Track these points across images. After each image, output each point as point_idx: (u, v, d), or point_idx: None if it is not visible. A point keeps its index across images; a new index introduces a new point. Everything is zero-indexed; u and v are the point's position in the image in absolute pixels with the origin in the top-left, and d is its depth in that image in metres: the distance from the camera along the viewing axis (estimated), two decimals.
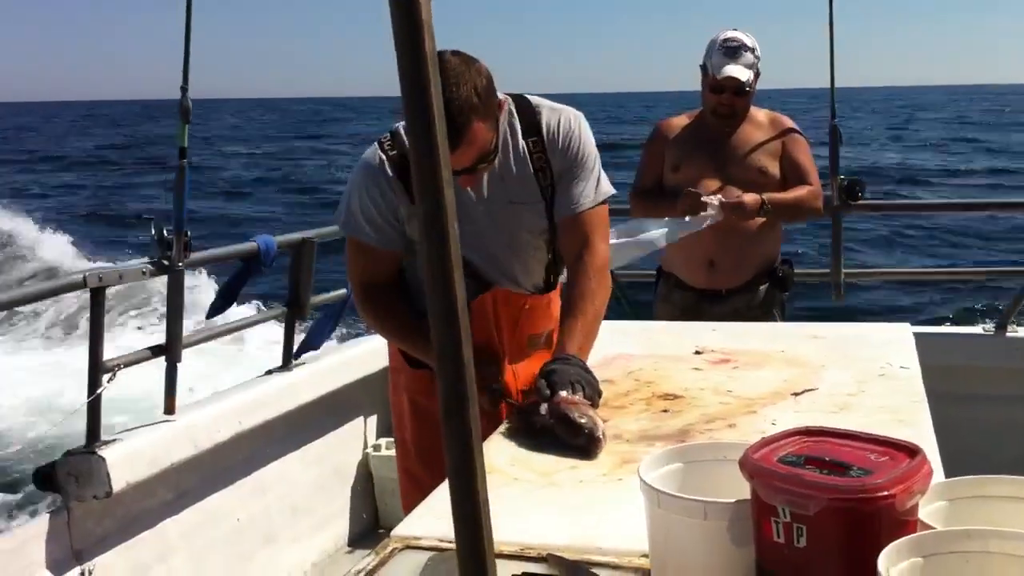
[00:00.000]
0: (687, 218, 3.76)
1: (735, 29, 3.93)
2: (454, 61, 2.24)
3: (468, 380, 0.85)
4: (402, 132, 2.45)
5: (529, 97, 2.54)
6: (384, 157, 2.45)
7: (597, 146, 2.59)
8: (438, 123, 0.83)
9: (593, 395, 2.25)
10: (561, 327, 2.46)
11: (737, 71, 3.83)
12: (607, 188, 2.57)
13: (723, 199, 3.75)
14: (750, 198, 3.77)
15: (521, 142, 2.48)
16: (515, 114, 2.49)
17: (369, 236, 2.48)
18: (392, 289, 2.57)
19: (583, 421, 2.08)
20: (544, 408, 2.16)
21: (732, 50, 3.86)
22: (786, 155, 3.93)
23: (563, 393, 2.17)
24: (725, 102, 3.91)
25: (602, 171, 2.57)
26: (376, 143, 2.50)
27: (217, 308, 3.58)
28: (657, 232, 3.77)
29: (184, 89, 3.07)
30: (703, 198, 3.74)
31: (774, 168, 3.91)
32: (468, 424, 0.85)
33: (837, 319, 3.55)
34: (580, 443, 2.06)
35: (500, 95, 2.43)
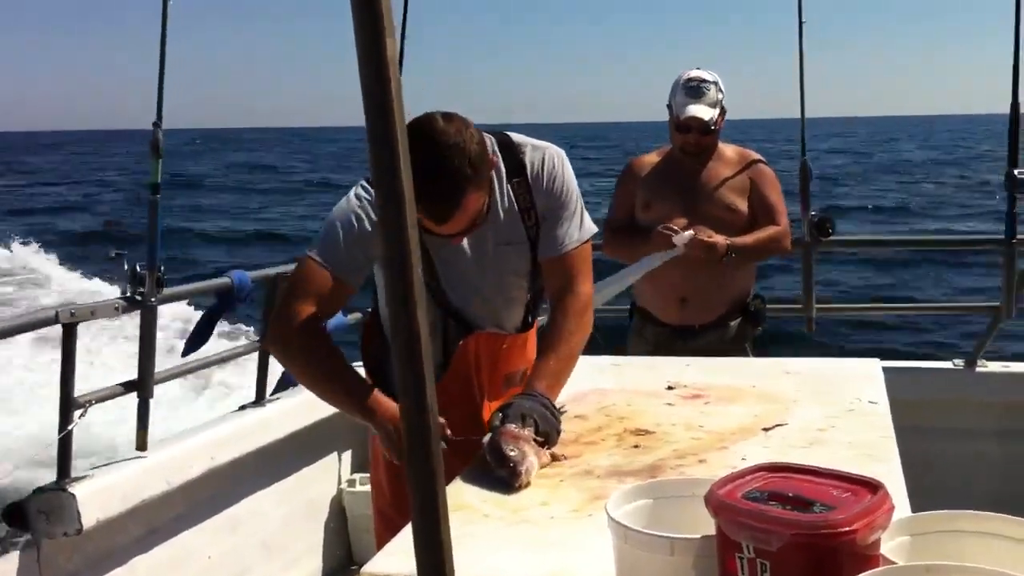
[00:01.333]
0: (654, 255, 3.79)
1: (698, 68, 3.98)
2: (446, 130, 2.21)
3: (431, 420, 0.86)
4: None
5: (511, 135, 2.53)
6: (367, 191, 2.44)
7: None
8: (403, 164, 0.85)
9: (549, 431, 2.25)
10: (535, 364, 2.47)
11: (700, 111, 3.88)
12: (590, 227, 2.58)
13: (696, 236, 3.77)
14: (719, 239, 3.80)
15: (505, 183, 2.48)
16: (499, 154, 2.47)
17: (329, 256, 2.37)
18: (322, 327, 2.42)
19: (512, 453, 2.09)
20: (486, 439, 2.17)
21: (694, 89, 3.91)
22: (755, 193, 3.96)
23: (511, 426, 2.18)
24: (691, 141, 3.95)
25: (584, 209, 2.58)
26: (362, 181, 2.47)
27: (192, 345, 3.57)
28: (629, 273, 3.83)
29: (157, 124, 3.08)
30: (673, 239, 3.77)
31: (743, 205, 3.95)
32: (431, 463, 0.86)
33: (809, 353, 3.58)
34: (501, 475, 2.08)
35: (485, 138, 2.39)
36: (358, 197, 2.41)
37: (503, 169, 2.48)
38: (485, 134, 2.42)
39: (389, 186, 0.84)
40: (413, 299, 0.85)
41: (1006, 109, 3.97)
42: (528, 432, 2.19)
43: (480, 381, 2.55)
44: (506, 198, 2.49)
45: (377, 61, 0.82)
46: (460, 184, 2.20)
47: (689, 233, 3.78)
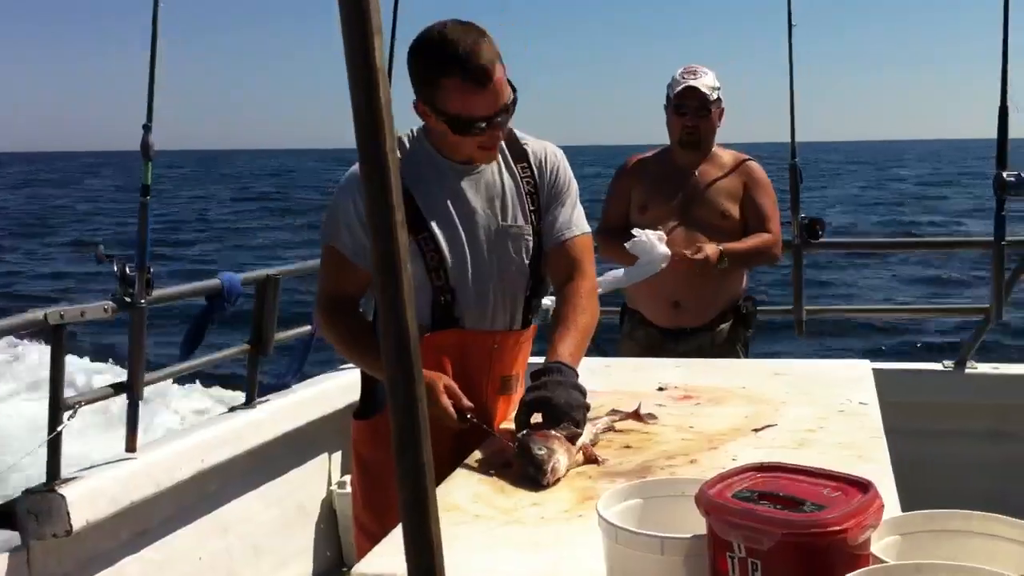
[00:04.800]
0: (641, 262, 3.79)
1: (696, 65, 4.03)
2: (470, 23, 2.34)
3: (421, 417, 0.86)
4: (403, 139, 2.50)
5: (513, 128, 2.58)
6: None
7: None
8: (391, 164, 0.85)
9: (581, 419, 2.27)
10: (553, 336, 2.47)
11: (697, 83, 3.92)
12: (586, 225, 2.64)
13: (687, 254, 3.78)
14: (711, 250, 3.81)
15: (512, 166, 2.54)
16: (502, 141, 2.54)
17: (345, 245, 2.47)
18: (354, 305, 2.58)
19: (540, 452, 2.10)
20: (520, 436, 2.19)
21: (691, 73, 3.96)
22: (748, 199, 3.97)
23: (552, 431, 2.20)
24: (688, 124, 3.96)
25: (581, 207, 2.63)
26: None
27: (186, 350, 3.56)
28: (613, 277, 3.83)
29: (147, 127, 3.07)
30: (652, 239, 3.77)
31: (735, 211, 3.96)
32: (421, 462, 0.86)
33: (799, 355, 3.58)
34: (529, 473, 2.10)
35: None
36: (359, 178, 2.45)
37: (508, 152, 2.54)
38: None
39: (377, 179, 0.84)
40: (402, 298, 0.85)
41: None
42: (554, 432, 2.20)
43: (476, 382, 2.52)
44: (515, 178, 2.54)
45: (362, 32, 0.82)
46: (489, 55, 2.30)
47: (657, 236, 3.78)
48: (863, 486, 1.31)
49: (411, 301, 0.86)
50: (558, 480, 2.10)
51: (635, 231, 3.79)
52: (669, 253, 3.75)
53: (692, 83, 3.92)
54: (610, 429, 2.42)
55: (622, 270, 3.85)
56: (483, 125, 2.35)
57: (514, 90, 2.40)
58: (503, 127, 2.42)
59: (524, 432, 2.20)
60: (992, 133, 3.99)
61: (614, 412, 2.51)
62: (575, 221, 2.58)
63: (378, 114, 0.83)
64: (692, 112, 3.94)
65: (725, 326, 4.03)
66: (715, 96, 3.95)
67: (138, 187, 3.12)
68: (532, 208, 2.54)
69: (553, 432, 2.20)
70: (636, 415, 2.52)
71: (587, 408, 2.33)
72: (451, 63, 2.28)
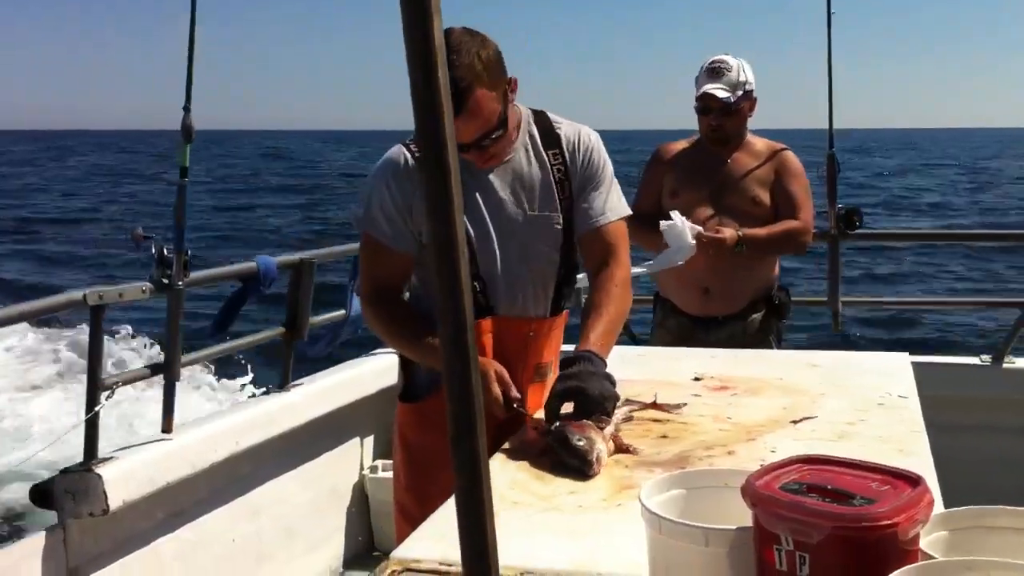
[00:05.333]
0: (670, 250, 3.76)
1: (726, 53, 3.97)
2: (460, 33, 2.27)
3: (477, 405, 0.85)
4: None
5: (547, 112, 2.57)
6: (408, 155, 2.46)
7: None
8: (451, 147, 0.84)
9: (611, 409, 2.27)
10: (584, 324, 2.47)
11: (715, 89, 3.87)
12: (626, 207, 2.61)
13: (702, 232, 3.75)
14: (728, 234, 3.77)
15: (543, 153, 2.50)
16: (533, 124, 2.52)
17: (384, 233, 2.47)
18: (399, 294, 2.58)
19: (580, 444, 2.10)
20: (554, 427, 2.19)
21: (715, 71, 3.91)
22: (779, 186, 3.93)
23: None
24: (712, 123, 3.94)
25: (619, 191, 2.60)
26: (400, 143, 2.50)
27: (217, 329, 3.58)
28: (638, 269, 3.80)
29: (187, 108, 3.08)
30: (672, 224, 3.74)
31: (767, 198, 3.92)
32: (476, 450, 0.85)
33: (834, 347, 3.55)
34: (574, 464, 2.09)
35: (521, 106, 2.48)
36: (394, 163, 2.45)
37: (539, 137, 2.51)
38: (521, 105, 2.49)
39: (436, 162, 0.83)
40: (460, 284, 0.85)
41: None
42: (588, 421, 2.20)
43: (511, 370, 2.52)
44: (544, 167, 2.50)
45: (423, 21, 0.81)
46: (467, 78, 2.23)
47: (698, 229, 3.74)
48: (913, 480, 1.29)
49: (468, 286, 0.85)
50: (599, 471, 2.09)
51: (673, 213, 3.76)
52: (694, 244, 3.72)
53: (708, 89, 3.88)
54: (629, 419, 2.41)
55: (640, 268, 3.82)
56: (466, 147, 2.33)
57: (505, 93, 2.34)
58: (491, 146, 2.38)
59: (557, 424, 2.20)
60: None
61: (629, 402, 2.49)
62: (610, 206, 2.55)
63: (437, 94, 0.83)
64: (715, 113, 3.92)
65: (757, 316, 4.00)
66: (740, 93, 3.89)
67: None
68: (563, 196, 2.52)
69: (587, 422, 2.20)
70: (655, 405, 2.50)
71: (617, 399, 2.32)
72: None
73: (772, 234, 3.86)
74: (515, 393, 2.35)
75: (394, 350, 2.62)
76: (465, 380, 0.85)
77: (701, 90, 3.90)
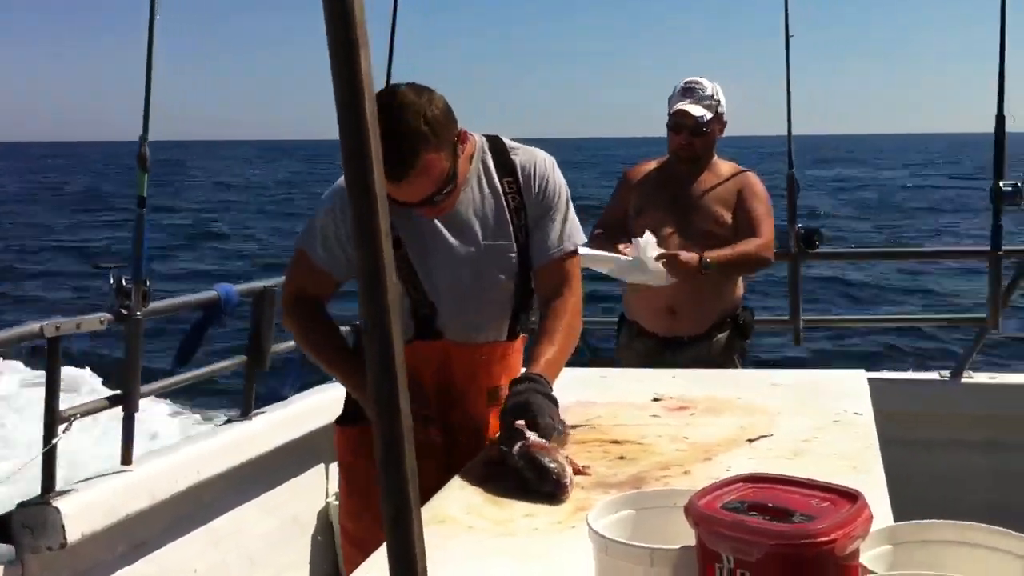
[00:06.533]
0: (633, 258, 3.77)
1: (702, 77, 4.02)
2: (406, 93, 2.26)
3: (405, 430, 0.86)
4: None
5: (502, 138, 2.57)
6: None
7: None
8: (376, 173, 0.85)
9: (559, 428, 2.28)
10: (534, 348, 2.48)
11: (689, 107, 3.93)
12: (580, 233, 2.61)
13: (665, 252, 3.78)
14: (686, 256, 3.79)
15: (496, 181, 2.50)
16: (488, 152, 2.51)
17: (316, 253, 2.49)
18: (319, 304, 2.59)
19: (552, 467, 2.09)
20: (516, 449, 2.16)
21: (689, 91, 3.98)
22: (740, 206, 3.98)
23: (531, 436, 2.18)
24: (684, 142, 3.99)
25: (575, 216, 2.60)
26: None
27: (180, 360, 3.56)
28: (605, 264, 3.81)
29: (143, 138, 3.07)
30: (631, 249, 3.78)
31: (729, 218, 3.97)
32: (404, 473, 0.85)
33: (796, 365, 3.58)
34: (547, 489, 2.07)
35: (474, 136, 2.47)
36: (340, 195, 2.46)
37: (492, 167, 2.50)
38: (475, 134, 2.48)
39: (361, 192, 0.84)
40: (387, 313, 0.85)
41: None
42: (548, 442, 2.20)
43: (459, 392, 2.52)
44: (497, 196, 2.50)
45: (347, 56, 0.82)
46: (414, 142, 2.22)
47: (653, 244, 3.78)
48: (852, 497, 1.30)
49: (396, 310, 0.86)
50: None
51: (646, 234, 3.79)
52: (664, 272, 3.75)
53: (682, 107, 3.94)
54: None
55: (612, 258, 3.82)
56: (414, 205, 2.34)
57: (455, 147, 2.33)
58: (442, 202, 2.38)
59: (519, 445, 2.17)
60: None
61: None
62: (566, 235, 2.55)
63: (363, 121, 0.83)
64: (686, 132, 3.97)
65: (722, 336, 4.03)
66: (711, 115, 3.96)
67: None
68: (518, 224, 2.51)
69: (550, 444, 2.19)
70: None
71: (560, 422, 2.31)
72: None
73: (736, 254, 3.89)
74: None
75: (312, 359, 2.64)
76: (392, 403, 0.86)
77: (675, 107, 3.95)
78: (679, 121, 3.97)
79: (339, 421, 2.67)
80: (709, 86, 3.98)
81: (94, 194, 46.97)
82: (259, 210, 38.39)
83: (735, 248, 3.89)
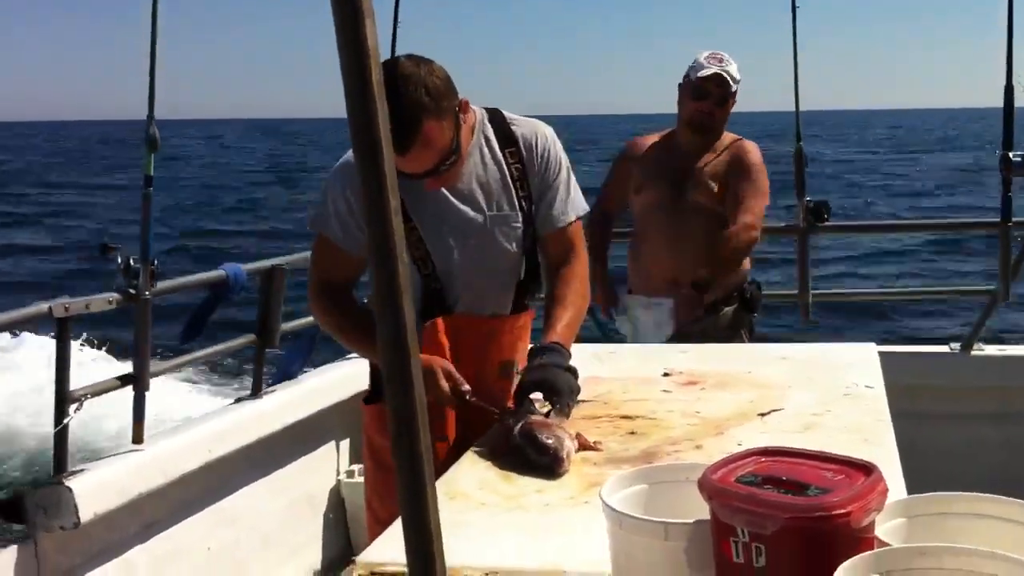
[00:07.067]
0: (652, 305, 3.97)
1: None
2: (406, 64, 2.26)
3: (419, 404, 0.85)
4: None
5: (502, 110, 2.58)
6: None
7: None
8: (385, 150, 0.84)
9: (574, 404, 2.33)
10: (547, 315, 2.52)
11: (724, 71, 3.90)
12: (583, 202, 2.64)
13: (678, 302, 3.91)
14: (684, 302, 3.89)
15: (498, 152, 2.51)
16: (488, 124, 2.52)
17: (335, 234, 2.49)
18: (347, 290, 2.59)
19: (549, 442, 2.10)
20: (517, 429, 2.18)
21: (718, 59, 3.94)
22: (730, 186, 3.95)
23: (533, 416, 2.22)
24: (706, 109, 3.94)
25: (577, 185, 2.62)
26: None
27: (186, 337, 3.57)
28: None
29: (150, 118, 3.07)
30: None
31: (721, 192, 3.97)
32: (418, 448, 0.85)
33: (804, 339, 3.57)
34: (544, 463, 2.09)
35: (475, 108, 2.47)
36: (352, 166, 2.44)
37: (494, 139, 2.51)
38: (475, 106, 2.48)
39: (372, 165, 0.83)
40: (398, 287, 0.85)
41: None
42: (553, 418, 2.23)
43: (473, 367, 2.52)
44: (500, 166, 2.51)
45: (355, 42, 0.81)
46: (415, 112, 2.23)
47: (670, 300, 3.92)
48: (867, 469, 1.30)
49: (407, 286, 0.85)
50: (568, 469, 2.10)
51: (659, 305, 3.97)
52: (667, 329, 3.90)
53: (719, 70, 3.89)
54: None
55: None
56: (420, 176, 2.34)
57: (457, 117, 2.33)
58: (447, 172, 2.38)
59: (521, 423, 2.20)
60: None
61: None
62: (570, 204, 2.58)
63: (371, 101, 0.83)
64: (713, 98, 3.93)
65: (729, 310, 4.03)
66: (734, 88, 3.94)
67: None
68: (522, 194, 2.53)
69: (551, 420, 2.21)
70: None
71: (579, 391, 2.37)
72: None
73: (723, 257, 3.91)
74: (465, 386, 2.37)
75: (344, 345, 2.65)
76: (404, 377, 0.85)
77: (709, 71, 3.89)
78: (706, 87, 3.92)
79: (367, 400, 2.67)
80: (732, 61, 3.97)
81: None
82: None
83: (719, 255, 3.90)
